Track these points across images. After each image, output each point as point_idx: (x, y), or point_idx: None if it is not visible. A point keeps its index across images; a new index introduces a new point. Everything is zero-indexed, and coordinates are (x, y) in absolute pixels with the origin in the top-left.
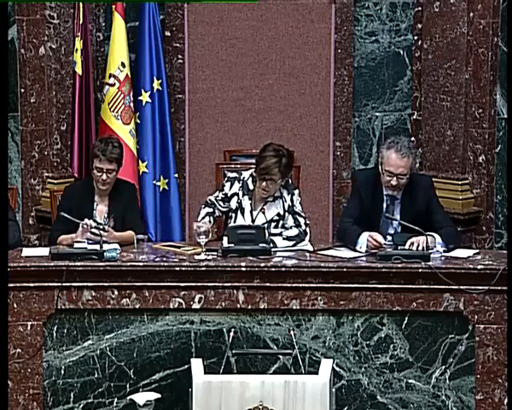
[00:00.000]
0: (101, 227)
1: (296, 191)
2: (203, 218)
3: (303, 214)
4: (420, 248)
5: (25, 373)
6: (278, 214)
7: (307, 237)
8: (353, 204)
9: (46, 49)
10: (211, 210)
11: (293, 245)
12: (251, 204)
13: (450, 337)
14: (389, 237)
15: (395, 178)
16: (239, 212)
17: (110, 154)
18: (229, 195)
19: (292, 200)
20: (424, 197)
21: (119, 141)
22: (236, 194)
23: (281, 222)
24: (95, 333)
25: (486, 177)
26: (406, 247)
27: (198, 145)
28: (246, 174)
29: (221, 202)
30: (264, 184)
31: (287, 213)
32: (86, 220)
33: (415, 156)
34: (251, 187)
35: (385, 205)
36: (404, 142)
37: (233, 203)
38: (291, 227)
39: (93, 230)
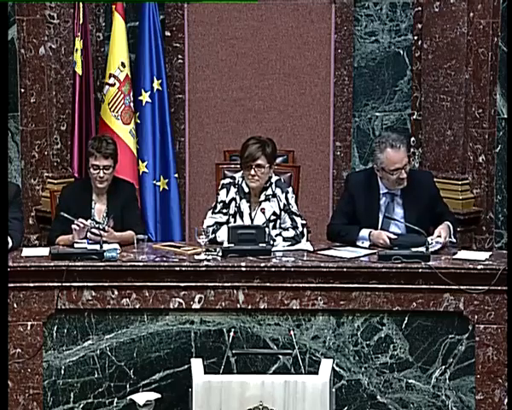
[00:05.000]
0: (101, 227)
1: (290, 189)
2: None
3: (299, 213)
4: (443, 239)
5: (25, 373)
6: (274, 213)
7: (304, 239)
8: (344, 207)
9: (46, 49)
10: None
11: (289, 246)
12: (249, 206)
13: (450, 337)
14: (391, 236)
15: (403, 170)
16: (238, 216)
17: (105, 150)
18: (227, 201)
19: (286, 198)
20: (427, 192)
21: (113, 138)
22: (234, 199)
23: (278, 222)
24: (95, 333)
25: (486, 177)
26: (434, 236)
27: (198, 145)
28: (238, 177)
29: (224, 210)
30: (252, 171)
31: (283, 213)
32: (80, 220)
33: (406, 140)
34: (246, 190)
35: (382, 202)
36: (391, 136)
37: (231, 209)
38: (288, 228)
39: (93, 230)
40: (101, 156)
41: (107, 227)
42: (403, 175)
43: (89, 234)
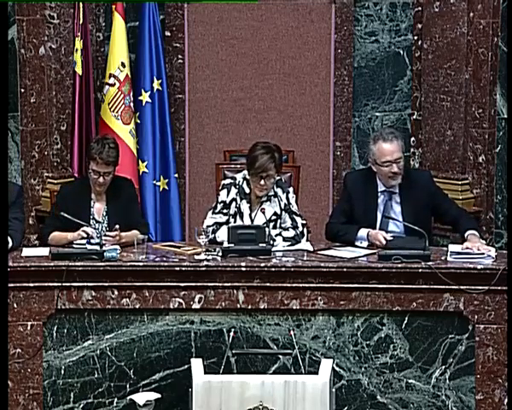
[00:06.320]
0: (104, 229)
1: (291, 189)
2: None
3: (299, 213)
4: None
5: (25, 373)
6: (275, 214)
7: (304, 239)
8: (342, 206)
9: (46, 49)
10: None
11: (289, 246)
12: (249, 207)
13: (450, 337)
14: (388, 237)
15: (394, 164)
16: (238, 216)
17: (107, 157)
18: (227, 202)
19: (287, 198)
20: (425, 191)
21: (115, 140)
22: (234, 199)
23: (278, 221)
24: (95, 333)
25: (486, 177)
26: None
27: (198, 145)
28: (239, 177)
29: (224, 211)
30: (262, 182)
31: (283, 212)
32: (85, 229)
33: (402, 138)
34: (247, 191)
35: (380, 201)
36: (385, 130)
37: (231, 209)
38: (288, 228)
39: (107, 238)
40: (102, 163)
41: (114, 233)
42: (394, 169)
43: (104, 239)
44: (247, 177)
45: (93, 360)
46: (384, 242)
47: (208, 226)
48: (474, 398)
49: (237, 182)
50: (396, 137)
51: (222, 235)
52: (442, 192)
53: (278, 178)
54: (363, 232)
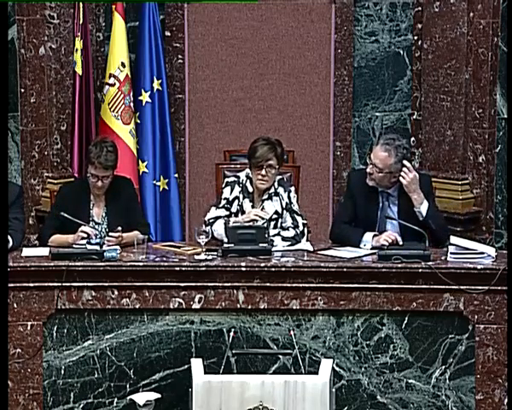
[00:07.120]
0: (104, 231)
1: (292, 188)
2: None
3: (300, 213)
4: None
5: (25, 373)
6: (276, 212)
7: (304, 239)
8: (346, 207)
9: (46, 49)
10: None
11: (289, 246)
12: (252, 206)
13: (450, 337)
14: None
15: (371, 165)
16: (240, 215)
17: (105, 162)
18: (230, 199)
19: (289, 197)
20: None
21: (114, 143)
22: (237, 197)
23: (279, 220)
24: (95, 333)
25: (486, 177)
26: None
27: (198, 145)
28: (242, 176)
29: (227, 206)
30: (263, 172)
31: (285, 211)
32: (86, 229)
33: (398, 161)
34: (250, 189)
35: (380, 201)
36: (394, 140)
37: (234, 207)
38: (288, 228)
39: (109, 238)
40: (100, 167)
41: (117, 234)
42: (367, 168)
43: (107, 239)
44: (250, 175)
45: (93, 360)
46: (398, 239)
47: (210, 219)
48: (474, 398)
49: (241, 180)
50: (393, 153)
51: (218, 228)
52: (432, 199)
53: (280, 177)
54: (368, 237)
